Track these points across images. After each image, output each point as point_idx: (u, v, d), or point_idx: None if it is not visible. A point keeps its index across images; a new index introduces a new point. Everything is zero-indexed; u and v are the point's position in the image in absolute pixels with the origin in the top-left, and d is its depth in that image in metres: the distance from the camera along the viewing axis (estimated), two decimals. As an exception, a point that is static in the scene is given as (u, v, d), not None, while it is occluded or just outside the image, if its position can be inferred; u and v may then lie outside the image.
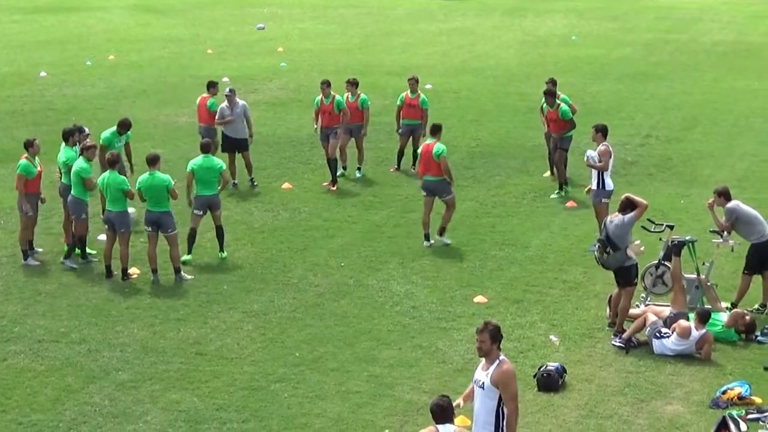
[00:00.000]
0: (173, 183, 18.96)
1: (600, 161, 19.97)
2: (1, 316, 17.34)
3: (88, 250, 19.78)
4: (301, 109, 30.96)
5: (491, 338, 10.97)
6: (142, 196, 18.92)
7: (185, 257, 19.55)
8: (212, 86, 25.24)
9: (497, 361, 11.01)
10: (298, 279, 18.91)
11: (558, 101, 23.64)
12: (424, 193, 20.63)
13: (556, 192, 23.60)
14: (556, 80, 25.08)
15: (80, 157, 19.35)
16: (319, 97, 24.63)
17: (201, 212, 19.79)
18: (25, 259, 19.63)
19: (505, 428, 11.05)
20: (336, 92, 24.60)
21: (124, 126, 21.70)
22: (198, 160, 19.83)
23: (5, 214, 22.23)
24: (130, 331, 16.75)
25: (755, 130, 29.86)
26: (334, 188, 23.95)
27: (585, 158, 20.39)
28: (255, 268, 19.43)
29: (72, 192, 19.26)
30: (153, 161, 18.91)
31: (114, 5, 57.47)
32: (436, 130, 20.70)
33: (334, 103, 24.19)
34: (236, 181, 24.26)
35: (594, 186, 20.20)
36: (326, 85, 24.53)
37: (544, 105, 24.00)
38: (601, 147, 20.10)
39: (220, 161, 20.13)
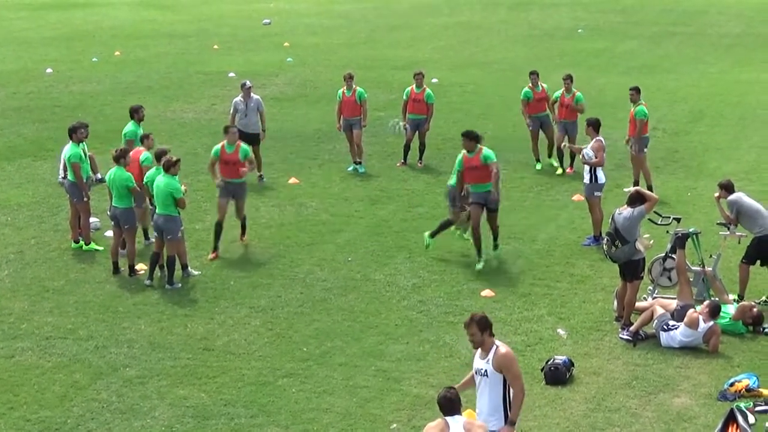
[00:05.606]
0: (184, 190, 18.62)
1: (595, 157, 19.96)
2: (8, 313, 17.36)
3: (95, 246, 19.80)
4: (307, 104, 30.94)
5: (479, 328, 11.08)
6: (149, 191, 18.86)
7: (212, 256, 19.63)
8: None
9: (494, 347, 11.10)
10: (305, 274, 18.91)
11: (575, 89, 24.46)
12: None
13: (559, 169, 24.80)
14: (572, 75, 25.13)
15: (162, 175, 18.25)
16: (342, 89, 25.37)
17: (225, 201, 19.80)
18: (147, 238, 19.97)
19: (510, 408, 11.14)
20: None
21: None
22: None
23: (12, 211, 22.25)
24: (137, 328, 16.76)
25: (762, 122, 29.80)
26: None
27: (581, 157, 20.35)
28: (262, 264, 19.44)
29: (165, 212, 18.20)
30: (170, 166, 18.32)
31: (120, 1, 57.55)
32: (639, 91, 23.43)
33: (356, 94, 24.94)
34: (262, 174, 24.45)
35: (587, 180, 20.19)
36: (350, 78, 25.37)
37: (557, 94, 24.71)
38: (594, 143, 20.13)
39: (247, 147, 20.25)
